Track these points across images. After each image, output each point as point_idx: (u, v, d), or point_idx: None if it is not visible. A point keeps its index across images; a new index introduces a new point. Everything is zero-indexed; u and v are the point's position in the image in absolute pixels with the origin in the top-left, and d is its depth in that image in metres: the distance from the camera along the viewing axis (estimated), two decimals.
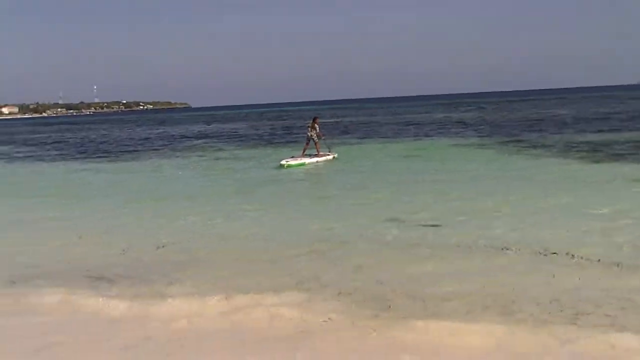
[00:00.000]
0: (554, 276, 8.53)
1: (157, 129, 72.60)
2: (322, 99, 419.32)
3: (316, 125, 26.67)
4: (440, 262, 9.65)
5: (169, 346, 6.67)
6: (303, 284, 8.78)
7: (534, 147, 28.17)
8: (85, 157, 36.73)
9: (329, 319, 7.20)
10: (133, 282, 9.36)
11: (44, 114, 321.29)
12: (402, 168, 22.94)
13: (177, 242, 12.05)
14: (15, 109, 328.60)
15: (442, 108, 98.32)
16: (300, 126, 46.58)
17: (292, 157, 26.12)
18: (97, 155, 38.22)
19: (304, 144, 27.09)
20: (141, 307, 8.04)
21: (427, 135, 39.54)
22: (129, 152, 39.12)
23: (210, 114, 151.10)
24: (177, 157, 33.22)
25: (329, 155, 26.55)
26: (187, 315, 7.60)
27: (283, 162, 25.02)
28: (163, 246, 11.72)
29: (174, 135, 56.97)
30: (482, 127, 45.27)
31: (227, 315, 7.55)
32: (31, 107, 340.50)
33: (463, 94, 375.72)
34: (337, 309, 7.57)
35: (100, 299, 8.38)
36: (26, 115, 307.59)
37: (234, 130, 59.77)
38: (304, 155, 26.12)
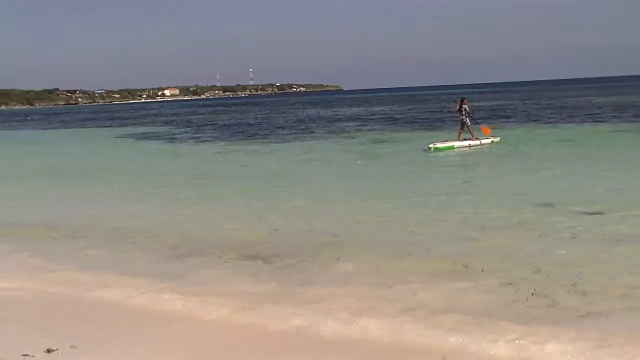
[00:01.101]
0: None
1: (310, 111, 73.15)
2: (477, 82, 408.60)
3: (465, 106, 25.37)
4: (602, 253, 9.01)
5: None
6: (459, 273, 8.41)
7: None
8: (239, 139, 37.63)
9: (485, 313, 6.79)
10: (284, 263, 9.45)
11: (202, 96, 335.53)
12: (562, 154, 21.64)
13: (327, 225, 11.91)
14: (177, 91, 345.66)
15: (614, 90, 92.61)
16: (451, 110, 45.16)
17: (446, 140, 25.20)
18: (249, 136, 39.11)
19: (459, 129, 25.85)
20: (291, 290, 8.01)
21: (595, 120, 36.90)
22: (282, 134, 39.58)
23: (362, 96, 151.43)
24: (328, 140, 33.27)
25: (487, 139, 25.23)
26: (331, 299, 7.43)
27: (431, 145, 24.32)
28: (312, 230, 11.63)
29: (325, 117, 57.18)
30: None
31: (370, 301, 7.26)
32: (191, 89, 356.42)
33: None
34: (494, 300, 7.25)
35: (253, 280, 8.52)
36: (186, 97, 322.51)
37: (384, 113, 59.35)
38: (460, 140, 25.01)
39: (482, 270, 8.40)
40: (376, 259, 9.29)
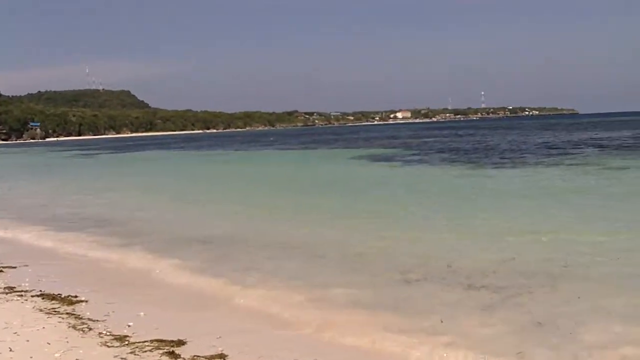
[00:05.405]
0: None
1: (540, 136, 70.87)
2: None
3: None
4: None
5: None
6: None
7: None
8: (464, 163, 37.89)
9: None
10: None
11: (434, 119, 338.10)
12: None
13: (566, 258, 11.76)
14: (408, 114, 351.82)
15: None
16: None
17: None
18: (474, 161, 39.14)
19: None
20: None
21: None
22: (506, 159, 39.22)
23: (599, 120, 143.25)
24: (555, 167, 32.24)
25: None
26: None
27: None
28: (566, 265, 11.36)
29: (556, 143, 55.01)
30: None
31: None
32: (422, 112, 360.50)
33: None
34: None
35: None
36: (417, 120, 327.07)
37: (624, 139, 55.81)
38: None
39: None
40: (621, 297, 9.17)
